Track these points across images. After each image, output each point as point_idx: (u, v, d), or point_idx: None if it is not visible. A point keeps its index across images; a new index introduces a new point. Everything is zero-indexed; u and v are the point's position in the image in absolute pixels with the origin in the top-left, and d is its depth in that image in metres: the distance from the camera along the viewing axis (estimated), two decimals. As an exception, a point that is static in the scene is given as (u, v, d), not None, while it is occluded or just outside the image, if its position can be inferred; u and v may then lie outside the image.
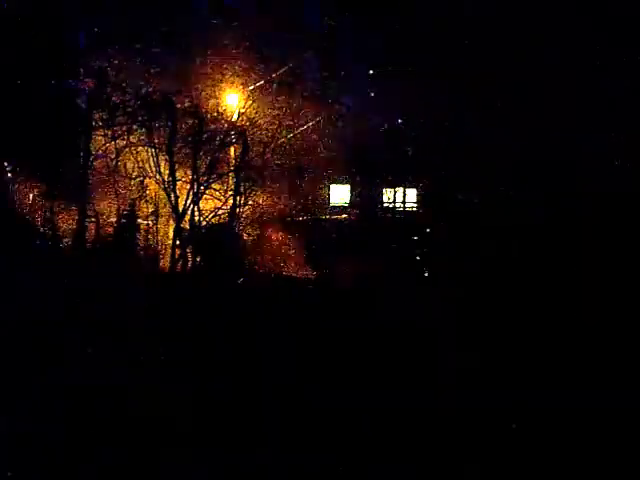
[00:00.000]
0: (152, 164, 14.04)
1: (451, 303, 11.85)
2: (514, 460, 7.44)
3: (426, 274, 13.95)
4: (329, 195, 15.82)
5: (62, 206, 13.98)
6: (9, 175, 13.78)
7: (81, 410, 7.98)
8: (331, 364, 9.62)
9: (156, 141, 14.02)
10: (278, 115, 14.25)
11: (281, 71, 14.07)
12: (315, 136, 14.46)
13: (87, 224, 14.10)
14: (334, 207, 15.84)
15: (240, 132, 14.38)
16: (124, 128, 13.95)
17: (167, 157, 14.04)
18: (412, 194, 16.31)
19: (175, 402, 8.19)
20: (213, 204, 14.46)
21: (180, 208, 14.16)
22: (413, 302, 12.02)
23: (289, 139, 14.40)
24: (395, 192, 16.05)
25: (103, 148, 13.98)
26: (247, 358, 9.72)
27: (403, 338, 10.57)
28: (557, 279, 12.58)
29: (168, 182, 14.09)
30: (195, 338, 10.34)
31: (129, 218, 14.23)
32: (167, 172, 14.07)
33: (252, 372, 9.28)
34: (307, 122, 14.37)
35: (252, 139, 14.33)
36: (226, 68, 13.90)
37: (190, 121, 14.04)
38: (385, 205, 15.93)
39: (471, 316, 11.48)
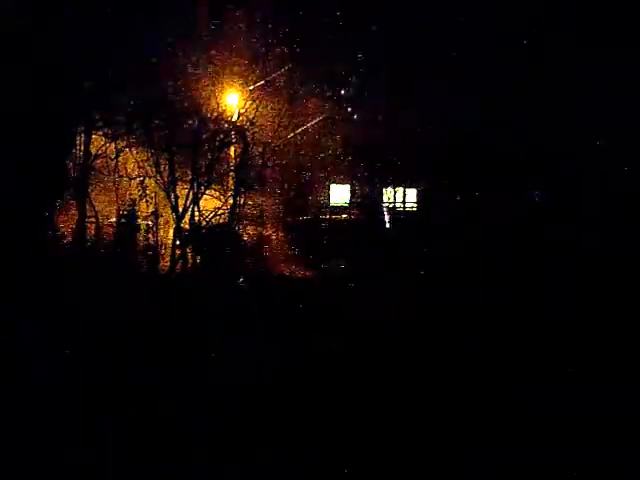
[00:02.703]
0: (152, 164, 14.03)
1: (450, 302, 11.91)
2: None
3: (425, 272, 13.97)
4: (329, 195, 15.83)
5: (61, 206, 13.96)
6: None
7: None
8: (329, 361, 9.65)
9: (156, 141, 14.02)
10: (278, 115, 14.25)
11: (281, 71, 14.08)
12: (315, 136, 14.47)
13: (87, 224, 14.07)
14: (334, 207, 15.86)
15: (240, 132, 14.37)
16: (124, 128, 13.94)
17: (167, 157, 14.03)
18: (412, 194, 16.34)
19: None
20: (213, 204, 14.46)
21: (180, 208, 14.16)
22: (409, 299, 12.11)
23: (289, 139, 14.40)
24: (395, 192, 16.08)
25: (103, 148, 13.96)
26: (247, 357, 9.73)
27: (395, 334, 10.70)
28: (558, 276, 12.61)
29: (168, 182, 14.09)
30: (195, 338, 10.35)
31: (129, 218, 14.21)
32: (167, 172, 14.07)
33: (252, 372, 9.28)
34: (307, 122, 14.38)
35: (252, 139, 14.33)
36: (226, 68, 13.91)
37: (190, 121, 14.04)
38: (385, 205, 15.96)
39: (470, 315, 11.52)
